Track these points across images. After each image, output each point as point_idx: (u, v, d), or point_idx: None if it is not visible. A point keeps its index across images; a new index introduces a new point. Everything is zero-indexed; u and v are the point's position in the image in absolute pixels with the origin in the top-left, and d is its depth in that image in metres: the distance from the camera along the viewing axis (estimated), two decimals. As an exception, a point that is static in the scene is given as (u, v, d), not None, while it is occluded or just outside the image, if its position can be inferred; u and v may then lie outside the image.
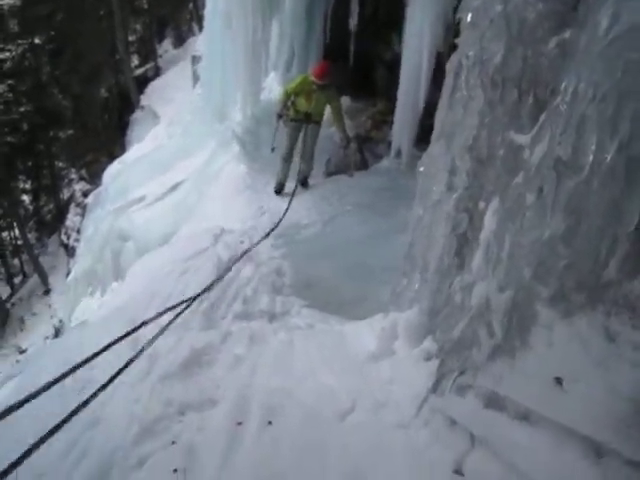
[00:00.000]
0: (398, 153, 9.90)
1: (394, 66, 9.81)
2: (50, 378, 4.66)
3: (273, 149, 9.88)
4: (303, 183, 10.18)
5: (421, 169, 4.14)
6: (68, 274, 18.79)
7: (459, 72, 3.57)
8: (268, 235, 7.61)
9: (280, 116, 9.71)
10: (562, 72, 2.54)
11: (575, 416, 2.07)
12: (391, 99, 9.90)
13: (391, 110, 9.87)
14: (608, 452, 1.95)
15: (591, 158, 2.08)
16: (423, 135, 4.22)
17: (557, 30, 2.83)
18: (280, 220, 7.83)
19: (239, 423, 3.59)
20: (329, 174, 10.92)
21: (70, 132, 29.36)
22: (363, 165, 11.03)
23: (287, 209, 8.33)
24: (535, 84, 2.95)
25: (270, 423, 3.52)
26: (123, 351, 4.80)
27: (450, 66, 3.77)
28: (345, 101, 12.39)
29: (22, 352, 20.24)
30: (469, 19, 3.42)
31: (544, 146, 2.50)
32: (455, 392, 2.87)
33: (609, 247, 2.01)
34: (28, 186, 32.02)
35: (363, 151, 11.26)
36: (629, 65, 1.96)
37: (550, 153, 2.36)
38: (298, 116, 9.71)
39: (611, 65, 2.03)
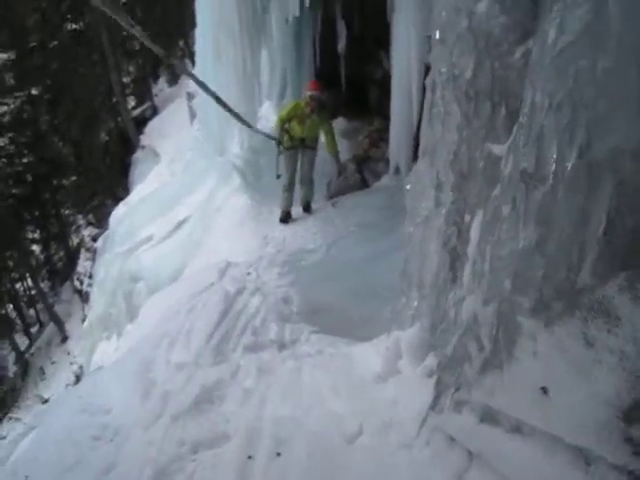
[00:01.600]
0: (397, 170, 9.93)
1: (386, 84, 9.87)
2: (66, 428, 4.73)
3: (278, 176, 9.92)
4: (306, 208, 10.22)
5: (408, 187, 4.16)
6: (84, 320, 18.84)
7: (434, 88, 3.60)
8: None
9: (279, 142, 9.76)
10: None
11: (562, 425, 2.07)
12: (386, 117, 9.95)
13: (387, 127, 9.91)
14: (595, 459, 1.95)
15: (554, 167, 2.10)
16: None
17: (521, 41, 2.87)
18: None
19: (249, 457, 3.60)
20: (331, 197, 10.97)
21: (73, 178, 29.47)
22: (363, 185, 11.07)
23: None
24: (506, 96, 2.98)
25: (279, 454, 3.53)
26: (135, 397, 4.85)
27: (427, 82, 3.82)
28: (341, 122, 12.48)
29: (45, 402, 20.24)
30: (437, 36, 3.46)
31: (513, 157, 2.53)
32: (452, 409, 2.87)
33: (580, 253, 2.02)
34: (37, 236, 32.06)
35: (363, 171, 11.30)
36: (579, 73, 1.98)
37: (517, 164, 2.38)
38: (294, 143, 9.74)
39: (562, 74, 2.06)
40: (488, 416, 2.55)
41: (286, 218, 9.90)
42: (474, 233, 3.14)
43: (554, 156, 2.10)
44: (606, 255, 1.94)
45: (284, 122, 9.65)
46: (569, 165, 2.03)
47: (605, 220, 1.93)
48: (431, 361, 3.62)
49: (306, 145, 9.81)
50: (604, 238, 1.94)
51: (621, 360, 1.89)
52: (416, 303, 4.05)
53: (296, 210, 10.16)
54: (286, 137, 9.75)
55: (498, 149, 3.00)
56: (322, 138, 10.04)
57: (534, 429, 2.23)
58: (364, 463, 3.19)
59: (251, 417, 4.12)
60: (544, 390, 2.15)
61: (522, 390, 2.29)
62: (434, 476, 2.79)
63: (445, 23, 3.36)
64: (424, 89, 5.70)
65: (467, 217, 3.32)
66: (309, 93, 9.46)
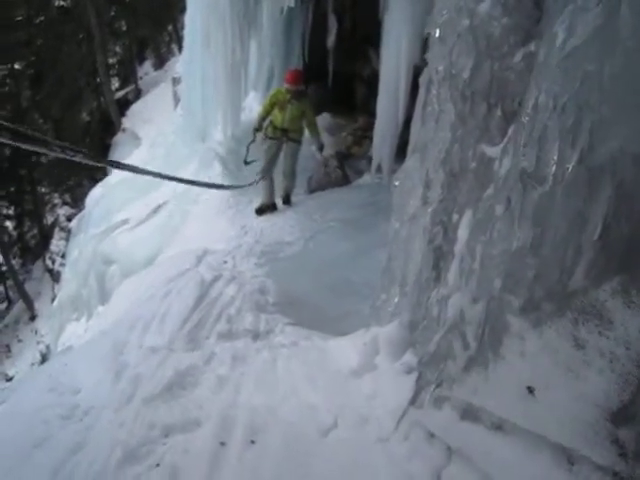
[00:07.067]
0: (379, 168, 9.94)
1: (373, 82, 9.87)
2: (34, 406, 4.67)
3: (246, 162, 9.87)
4: (286, 200, 10.20)
5: (396, 183, 4.16)
6: (54, 299, 18.70)
7: (430, 87, 3.61)
8: None
9: (257, 129, 9.71)
10: (528, 85, 2.58)
11: (546, 424, 2.08)
12: (371, 115, 9.96)
13: (371, 126, 9.93)
14: (579, 459, 1.97)
15: (554, 169, 2.11)
16: (403, 149, 4.25)
17: (522, 43, 2.88)
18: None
19: (222, 443, 3.57)
20: (311, 191, 10.98)
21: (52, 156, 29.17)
22: (345, 181, 11.08)
23: None
24: (503, 97, 2.99)
25: (253, 442, 3.51)
26: (106, 379, 4.79)
27: (422, 80, 3.82)
28: (326, 118, 12.47)
29: (9, 380, 20.06)
30: (437, 34, 3.46)
31: (511, 158, 2.54)
32: (433, 404, 2.88)
33: (575, 256, 2.03)
34: (11, 212, 31.67)
35: (344, 167, 11.31)
36: (586, 76, 1.99)
37: (516, 165, 2.39)
38: (276, 134, 9.71)
39: (569, 77, 2.07)
40: (469, 413, 2.56)
41: (261, 210, 9.85)
42: (462, 232, 3.14)
43: (555, 157, 2.11)
44: (601, 259, 1.95)
45: (268, 112, 9.62)
46: (569, 167, 2.04)
47: (601, 224, 1.94)
48: (410, 357, 3.63)
49: (289, 137, 9.75)
50: (600, 242, 1.95)
51: (611, 362, 1.90)
52: (397, 300, 4.06)
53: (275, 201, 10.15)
54: (270, 127, 9.71)
55: (491, 150, 3.01)
56: (306, 133, 10.02)
57: (517, 427, 2.24)
58: (340, 455, 3.18)
59: (225, 404, 4.09)
60: (530, 389, 2.17)
61: (507, 389, 2.30)
62: (412, 470, 2.79)
63: (445, 22, 3.36)
64: (413, 89, 5.69)
65: (455, 216, 3.32)
66: (286, 86, 9.45)
